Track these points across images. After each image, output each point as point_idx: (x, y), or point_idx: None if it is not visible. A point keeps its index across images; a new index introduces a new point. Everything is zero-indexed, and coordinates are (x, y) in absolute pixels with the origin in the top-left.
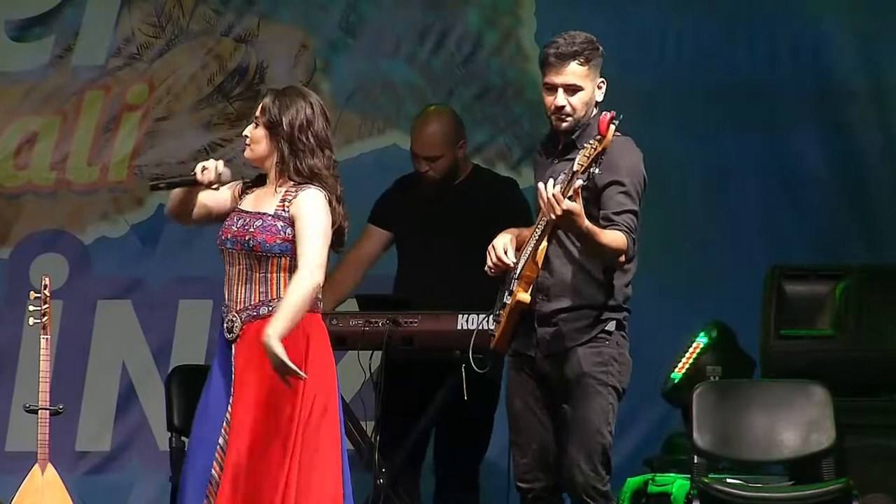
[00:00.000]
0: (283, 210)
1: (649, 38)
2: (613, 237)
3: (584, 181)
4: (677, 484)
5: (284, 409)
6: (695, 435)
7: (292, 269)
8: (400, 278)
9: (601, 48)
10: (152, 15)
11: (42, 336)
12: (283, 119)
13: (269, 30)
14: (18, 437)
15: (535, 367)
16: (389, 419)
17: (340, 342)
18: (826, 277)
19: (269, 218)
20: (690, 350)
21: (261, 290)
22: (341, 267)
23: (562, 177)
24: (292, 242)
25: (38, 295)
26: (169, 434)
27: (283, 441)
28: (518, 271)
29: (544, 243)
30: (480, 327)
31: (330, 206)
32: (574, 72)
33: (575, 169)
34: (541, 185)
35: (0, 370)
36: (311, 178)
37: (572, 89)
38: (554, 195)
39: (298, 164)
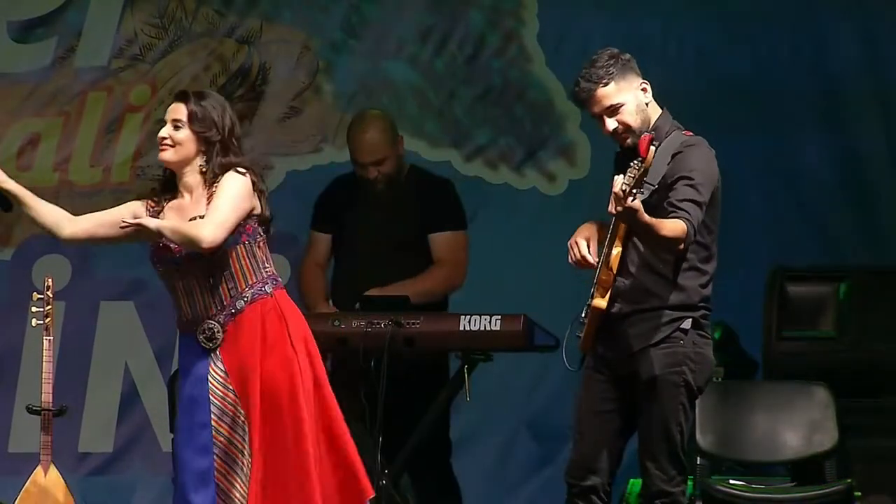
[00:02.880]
0: (209, 202)
1: (651, 40)
2: (672, 226)
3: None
4: None
5: (288, 394)
6: (697, 436)
7: (249, 252)
8: (340, 280)
9: (624, 57)
10: (155, 16)
11: (45, 337)
12: (216, 121)
13: (272, 31)
14: (21, 438)
15: (612, 368)
16: (390, 420)
17: (342, 343)
18: (828, 279)
19: (197, 219)
20: None
21: (229, 286)
22: (308, 276)
23: (619, 179)
24: (237, 231)
25: (41, 296)
26: (171, 435)
27: (299, 425)
28: (596, 276)
29: (619, 248)
30: (482, 328)
31: (255, 188)
32: (605, 95)
33: (622, 188)
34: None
35: (3, 371)
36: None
37: (613, 110)
38: (616, 193)
39: (226, 167)
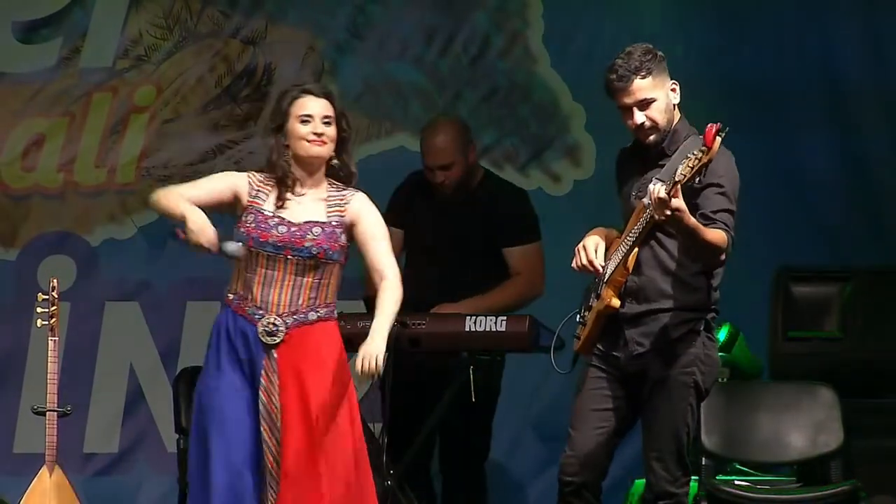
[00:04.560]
0: (336, 215)
1: (657, 41)
2: (715, 234)
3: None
4: None
5: (341, 412)
6: (703, 437)
7: (339, 274)
8: (406, 277)
9: (659, 54)
10: (160, 17)
11: (50, 338)
12: (348, 119)
13: (277, 32)
14: (26, 439)
15: (619, 367)
16: (396, 421)
17: (348, 344)
18: (833, 279)
19: (326, 226)
20: None
21: (311, 295)
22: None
23: (659, 185)
24: (345, 249)
25: (46, 296)
26: (176, 436)
27: (346, 442)
28: (607, 275)
29: (636, 249)
30: (488, 329)
31: None
32: (640, 87)
33: (677, 179)
34: (651, 185)
35: (8, 372)
36: (350, 181)
37: (645, 104)
38: (660, 197)
39: (345, 165)
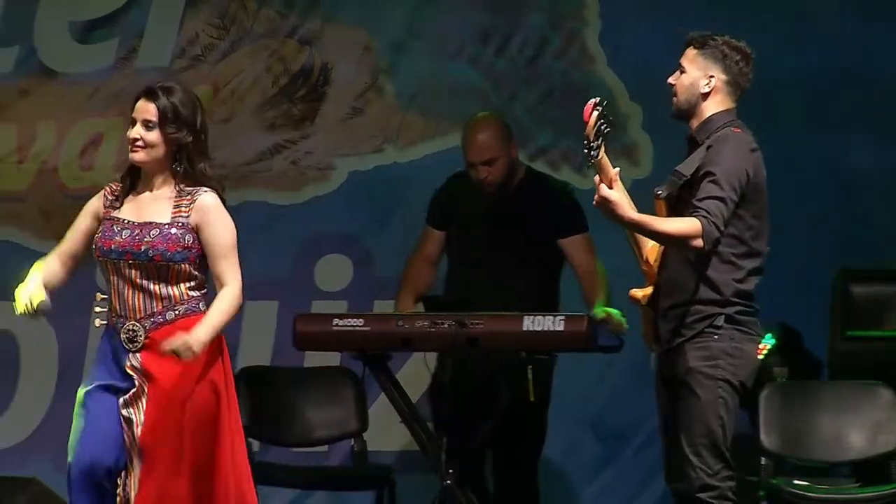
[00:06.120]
0: (180, 216)
1: None
2: (677, 224)
3: (592, 158)
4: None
5: (212, 408)
6: (761, 436)
7: (190, 276)
8: (452, 279)
9: (728, 45)
10: (216, 17)
11: None
12: (188, 121)
13: (333, 31)
14: None
15: (661, 366)
16: (454, 421)
17: (406, 343)
18: (892, 278)
19: (165, 227)
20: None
21: (163, 297)
22: (410, 270)
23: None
24: (192, 249)
25: (105, 296)
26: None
27: (218, 440)
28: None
29: (652, 242)
30: (546, 328)
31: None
32: (685, 55)
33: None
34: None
35: (66, 371)
36: (202, 182)
37: (681, 70)
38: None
39: (195, 167)
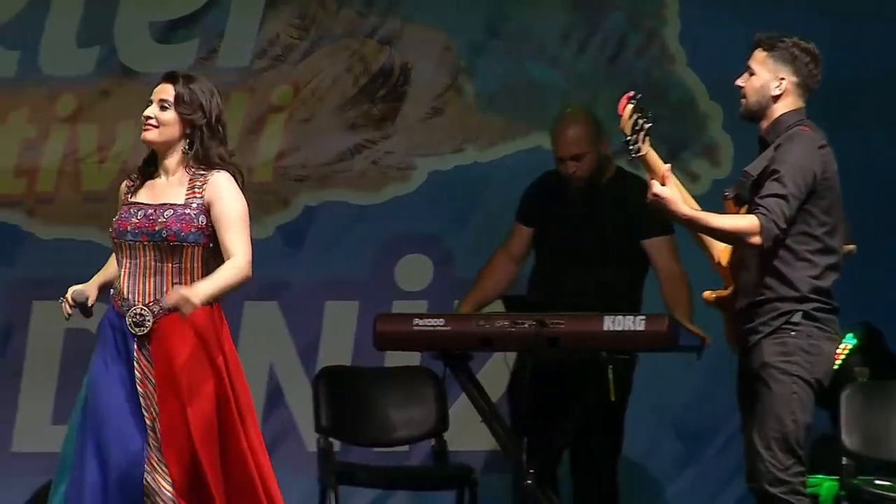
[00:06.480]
0: (195, 197)
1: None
2: (734, 221)
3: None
4: (825, 485)
5: (214, 393)
6: (843, 436)
7: (206, 258)
8: (539, 277)
9: (797, 47)
10: (296, 17)
11: None
12: (203, 105)
13: (413, 31)
14: None
15: (741, 364)
16: (534, 420)
17: (486, 343)
18: None
19: (179, 207)
20: (838, 352)
21: (174, 281)
22: (489, 264)
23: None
24: (205, 231)
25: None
26: (317, 435)
27: (229, 424)
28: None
29: (723, 244)
30: (627, 328)
31: (242, 190)
32: (754, 56)
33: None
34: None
35: None
36: (218, 167)
37: (749, 72)
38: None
39: (209, 152)
